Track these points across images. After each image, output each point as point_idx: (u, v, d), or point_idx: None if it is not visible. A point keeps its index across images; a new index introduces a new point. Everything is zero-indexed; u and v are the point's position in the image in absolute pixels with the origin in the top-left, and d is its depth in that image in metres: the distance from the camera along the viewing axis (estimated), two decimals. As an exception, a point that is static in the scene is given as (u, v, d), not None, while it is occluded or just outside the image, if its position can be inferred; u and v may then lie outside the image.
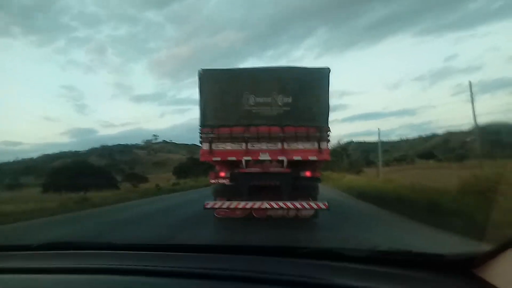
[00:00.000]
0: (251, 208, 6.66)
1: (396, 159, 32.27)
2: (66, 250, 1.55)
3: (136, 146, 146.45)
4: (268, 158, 6.63)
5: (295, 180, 6.67)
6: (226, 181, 6.77)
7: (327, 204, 6.38)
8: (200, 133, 6.83)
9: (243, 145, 6.65)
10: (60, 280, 1.19)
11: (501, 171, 7.40)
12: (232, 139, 6.67)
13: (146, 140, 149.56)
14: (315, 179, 6.79)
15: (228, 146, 6.70)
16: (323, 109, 6.59)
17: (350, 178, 22.90)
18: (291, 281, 1.07)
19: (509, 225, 3.80)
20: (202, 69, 6.90)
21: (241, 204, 6.48)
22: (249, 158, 6.65)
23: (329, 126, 6.61)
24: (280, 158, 6.58)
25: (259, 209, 6.66)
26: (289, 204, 6.39)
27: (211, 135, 6.71)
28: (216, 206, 6.71)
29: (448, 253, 1.15)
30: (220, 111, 6.74)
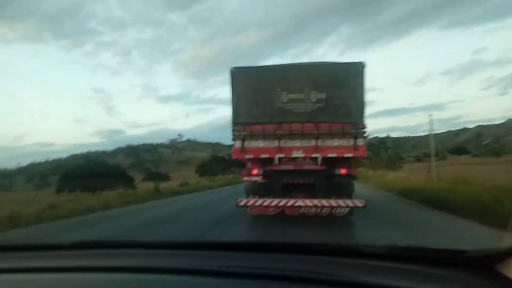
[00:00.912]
0: (284, 206, 6.59)
1: (426, 154, 31.01)
2: (94, 249, 1.57)
3: (161, 145, 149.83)
4: (302, 155, 6.53)
5: (330, 178, 6.54)
6: (259, 179, 6.74)
7: (364, 202, 6.20)
8: (233, 130, 6.84)
9: (276, 142, 6.59)
10: (87, 278, 1.19)
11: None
12: (265, 136, 6.62)
13: (171, 139, 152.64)
14: (350, 177, 6.63)
15: (261, 144, 6.67)
16: (359, 105, 6.42)
17: (394, 176, 19.11)
18: (309, 278, 1.07)
19: None
20: (234, 67, 6.89)
21: (275, 202, 6.41)
22: (282, 155, 6.58)
23: (365, 122, 6.42)
24: (314, 155, 6.47)
25: (293, 206, 6.58)
26: (324, 202, 6.27)
27: (244, 133, 6.70)
28: (249, 203, 6.69)
29: (469, 249, 1.12)
30: (252, 108, 6.71)
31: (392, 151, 35.41)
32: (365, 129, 6.43)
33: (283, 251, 1.39)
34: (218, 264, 1.20)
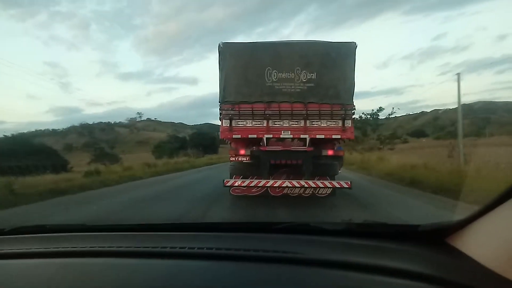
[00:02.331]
0: (272, 186, 6.70)
1: (387, 137, 32.66)
2: (38, 233, 1.52)
3: (118, 124, 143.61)
4: (290, 136, 6.60)
5: (317, 159, 6.70)
6: (246, 159, 6.74)
7: (350, 183, 6.46)
8: (220, 109, 6.73)
9: (265, 123, 6.59)
10: (30, 264, 1.16)
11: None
12: (253, 116, 6.59)
13: (130, 118, 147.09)
14: (337, 158, 6.83)
15: (249, 123, 6.63)
16: (348, 86, 6.53)
17: (400, 161, 14.02)
18: (268, 257, 1.08)
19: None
20: (223, 43, 6.69)
21: (262, 182, 6.49)
22: (270, 135, 6.60)
23: (353, 103, 6.58)
24: (302, 136, 6.56)
25: (280, 187, 6.70)
26: (311, 183, 6.44)
27: (231, 112, 6.61)
28: (236, 184, 6.71)
29: (423, 223, 1.17)
30: (241, 86, 6.60)
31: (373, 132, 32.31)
32: (353, 111, 6.61)
33: (243, 231, 1.42)
34: (174, 245, 1.19)
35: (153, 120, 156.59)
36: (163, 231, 1.47)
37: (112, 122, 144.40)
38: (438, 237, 1.09)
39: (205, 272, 1.03)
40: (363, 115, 30.46)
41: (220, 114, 6.73)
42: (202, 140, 63.92)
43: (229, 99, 6.63)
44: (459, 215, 0.99)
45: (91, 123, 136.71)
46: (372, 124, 30.62)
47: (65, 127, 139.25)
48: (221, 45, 6.67)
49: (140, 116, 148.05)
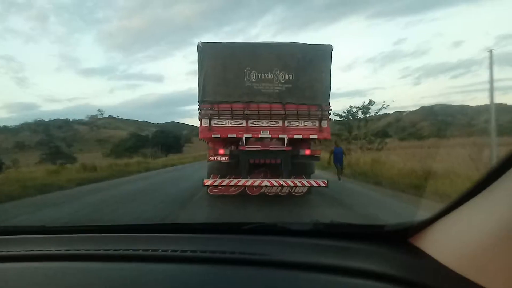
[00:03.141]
0: (250, 186, 6.84)
1: (378, 136, 33.37)
2: None
3: (78, 122, 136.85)
4: (269, 135, 6.79)
5: (294, 158, 6.93)
6: (225, 159, 6.83)
7: (326, 181, 6.76)
8: (199, 109, 6.77)
9: (244, 122, 6.72)
10: None
11: None
12: (233, 116, 6.69)
13: (91, 116, 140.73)
14: (314, 157, 7.10)
15: (228, 123, 6.73)
16: (325, 87, 6.83)
17: (415, 167, 11.23)
18: (234, 259, 1.09)
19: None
20: (202, 42, 6.74)
21: (241, 182, 6.62)
22: (249, 135, 6.75)
23: (329, 104, 6.88)
24: (281, 136, 6.77)
25: (259, 186, 6.87)
26: (289, 182, 6.67)
27: (211, 111, 6.68)
28: (215, 183, 6.79)
29: (388, 224, 1.20)
30: (220, 86, 6.69)
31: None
32: (330, 112, 6.91)
33: (210, 232, 1.42)
34: (134, 247, 1.16)
35: (115, 117, 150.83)
36: (126, 233, 1.41)
37: (71, 119, 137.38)
38: (402, 237, 1.11)
39: (169, 276, 1.01)
40: (353, 109, 25.99)
41: (199, 113, 6.78)
42: (166, 139, 62.03)
43: (208, 99, 6.69)
44: (423, 215, 1.05)
45: (47, 120, 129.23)
46: (361, 120, 25.86)
47: (18, 124, 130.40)
48: (200, 45, 6.72)
49: (101, 114, 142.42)
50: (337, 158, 12.46)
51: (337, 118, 26.44)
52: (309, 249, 1.16)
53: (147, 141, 59.78)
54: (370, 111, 25.92)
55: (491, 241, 0.76)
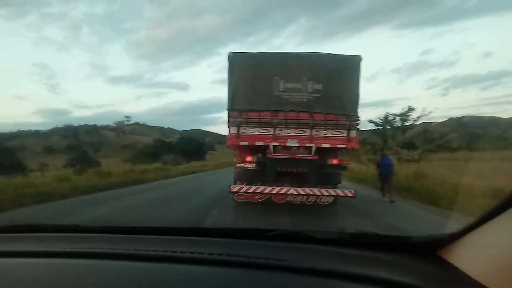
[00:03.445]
0: (276, 194, 6.90)
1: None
2: (29, 232, 1.52)
3: (105, 127, 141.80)
4: (296, 144, 6.86)
5: (321, 167, 6.95)
6: (252, 166, 6.94)
7: (354, 191, 6.73)
8: (228, 116, 6.94)
9: (272, 131, 6.83)
10: (18, 264, 1.17)
11: None
12: (261, 124, 6.83)
13: (118, 122, 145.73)
14: (341, 167, 7.10)
15: (256, 131, 6.86)
16: (354, 97, 6.86)
17: None
18: (259, 264, 1.10)
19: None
20: (232, 52, 6.95)
21: (268, 189, 6.70)
22: (277, 143, 6.85)
23: (358, 114, 6.89)
24: (308, 145, 6.83)
25: (284, 194, 6.92)
26: (315, 191, 6.69)
27: (239, 119, 6.84)
28: (242, 190, 6.90)
29: (415, 235, 1.20)
30: (249, 95, 6.85)
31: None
32: (358, 121, 6.91)
33: (235, 237, 1.43)
34: (164, 249, 1.20)
35: (141, 124, 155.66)
36: (155, 235, 1.46)
37: (98, 125, 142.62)
38: (429, 249, 1.11)
39: (195, 277, 1.04)
40: (389, 116, 21.97)
41: (228, 121, 6.95)
42: (189, 146, 62.57)
43: (237, 107, 6.87)
44: (452, 227, 1.04)
45: (76, 125, 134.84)
46: (399, 128, 21.98)
47: (48, 128, 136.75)
48: (231, 55, 6.93)
49: (128, 120, 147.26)
50: (385, 170, 10.02)
51: (371, 127, 23.01)
52: (334, 257, 1.17)
53: (171, 147, 61.06)
54: (409, 118, 21.75)
55: None
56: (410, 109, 21.87)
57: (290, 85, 6.82)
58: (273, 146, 6.85)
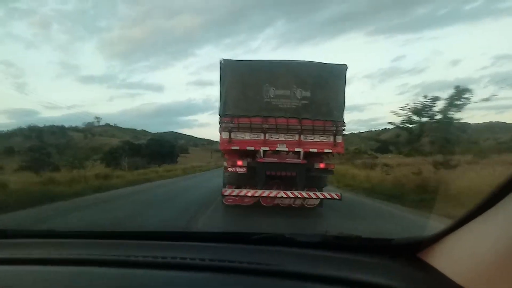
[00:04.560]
0: (266, 197, 7.24)
1: (354, 152, 34.38)
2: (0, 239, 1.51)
3: (73, 129, 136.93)
4: (286, 149, 7.23)
5: (309, 171, 7.36)
6: (243, 170, 7.24)
7: (340, 194, 7.19)
8: (220, 122, 7.23)
9: (262, 136, 7.18)
10: None
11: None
12: (252, 129, 7.16)
13: (87, 123, 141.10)
14: (328, 171, 7.54)
15: (247, 136, 7.18)
16: (340, 104, 7.34)
17: None
18: (243, 268, 1.11)
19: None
20: (224, 59, 7.25)
21: (259, 192, 7.02)
22: (267, 148, 7.20)
23: (344, 120, 7.37)
24: (297, 149, 7.22)
25: (273, 197, 7.27)
26: (304, 193, 7.08)
27: (231, 125, 7.14)
28: (234, 193, 7.19)
29: (396, 238, 1.24)
30: (240, 101, 7.17)
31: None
32: (344, 127, 7.40)
33: (219, 241, 1.45)
34: (143, 254, 1.20)
35: (112, 125, 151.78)
36: (136, 239, 1.46)
37: (66, 126, 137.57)
38: (410, 252, 1.13)
39: (177, 282, 1.04)
40: (427, 101, 13.20)
41: (220, 126, 7.25)
42: (160, 148, 59.26)
43: (229, 113, 7.17)
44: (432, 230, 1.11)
45: (41, 126, 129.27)
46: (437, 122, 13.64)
47: (11, 129, 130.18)
48: (223, 62, 7.25)
49: (98, 121, 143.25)
50: None
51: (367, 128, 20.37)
52: (317, 261, 1.19)
53: (139, 150, 57.46)
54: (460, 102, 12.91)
55: (499, 257, 0.78)
56: (462, 90, 13.20)
57: (279, 92, 7.19)
58: (263, 150, 7.18)
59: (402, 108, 13.31)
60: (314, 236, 1.40)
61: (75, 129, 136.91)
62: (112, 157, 50.57)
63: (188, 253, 1.22)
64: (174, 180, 21.20)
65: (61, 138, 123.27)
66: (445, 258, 0.99)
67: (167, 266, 1.13)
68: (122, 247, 1.35)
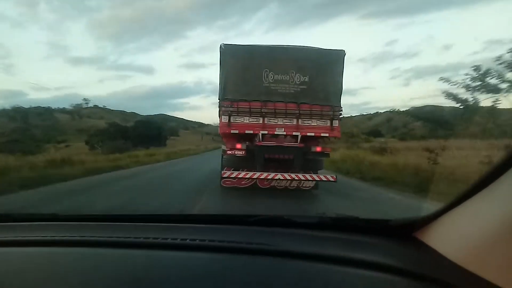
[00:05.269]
0: (263, 179, 7.54)
1: (347, 135, 34.68)
2: (5, 222, 1.53)
3: (60, 110, 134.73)
4: (284, 132, 7.50)
5: (306, 154, 7.66)
6: (242, 153, 7.51)
7: (335, 176, 7.54)
8: (220, 106, 7.43)
9: (261, 120, 7.42)
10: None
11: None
12: (251, 113, 7.39)
13: (75, 104, 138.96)
14: (324, 154, 7.86)
15: (246, 120, 7.42)
16: (337, 89, 7.59)
17: None
18: (241, 248, 1.14)
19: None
20: (224, 44, 7.39)
21: (257, 174, 7.32)
22: (265, 132, 7.45)
23: (341, 105, 7.64)
24: (294, 133, 7.50)
25: (269, 179, 7.58)
26: (300, 176, 7.41)
27: (231, 109, 7.35)
28: (233, 175, 7.47)
29: (394, 218, 1.25)
30: (240, 86, 7.36)
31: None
32: (341, 112, 7.67)
33: (218, 223, 1.50)
34: (144, 235, 1.22)
35: (101, 107, 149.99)
36: (136, 222, 1.49)
37: (52, 107, 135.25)
38: (407, 232, 1.16)
39: (177, 263, 1.07)
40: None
41: (220, 110, 7.45)
42: (148, 131, 57.69)
43: (228, 97, 7.37)
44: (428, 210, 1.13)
45: (27, 107, 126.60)
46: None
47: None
48: (223, 47, 7.39)
49: (86, 103, 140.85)
50: None
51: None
52: (315, 241, 1.22)
53: (126, 132, 55.95)
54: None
55: (494, 235, 0.79)
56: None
57: (278, 77, 7.39)
58: (262, 134, 7.43)
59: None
60: (312, 218, 1.44)
61: (62, 111, 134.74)
62: (97, 139, 49.71)
63: (187, 234, 1.25)
64: (151, 167, 17.18)
65: (48, 119, 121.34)
66: (441, 237, 1.01)
67: (167, 246, 1.17)
68: (123, 229, 1.38)
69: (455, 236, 0.95)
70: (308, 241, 1.23)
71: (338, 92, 7.62)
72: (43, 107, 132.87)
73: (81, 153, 29.26)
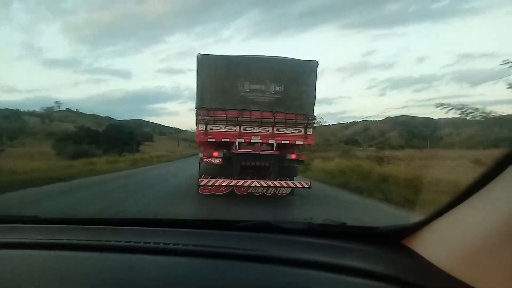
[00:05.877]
0: (240, 186, 7.75)
1: (324, 144, 35.50)
2: None
3: (30, 113, 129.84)
4: (259, 141, 7.77)
5: (281, 162, 7.94)
6: (219, 161, 7.70)
7: (309, 183, 7.85)
8: (197, 114, 7.62)
9: (237, 128, 7.66)
10: None
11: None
12: (227, 122, 7.61)
13: (46, 108, 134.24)
14: (299, 161, 8.17)
15: (223, 128, 7.63)
16: (311, 99, 7.95)
17: None
18: (226, 253, 1.14)
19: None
20: (201, 54, 7.64)
21: (234, 182, 7.52)
22: (242, 140, 7.69)
23: (314, 114, 8.00)
24: (270, 141, 7.78)
25: (247, 186, 7.80)
26: (276, 183, 7.68)
27: (207, 117, 7.55)
28: (210, 183, 7.64)
29: (381, 225, 1.26)
30: (216, 95, 7.60)
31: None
32: (314, 121, 8.03)
33: (203, 228, 1.48)
34: (129, 239, 1.23)
35: (73, 111, 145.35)
36: (119, 226, 1.48)
37: (21, 110, 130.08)
38: (395, 239, 1.15)
39: (160, 267, 1.06)
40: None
41: (197, 119, 7.65)
42: (119, 135, 55.34)
43: (205, 106, 7.59)
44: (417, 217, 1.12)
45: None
46: None
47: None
48: (199, 56, 7.63)
49: (58, 106, 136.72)
50: None
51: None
52: (302, 247, 1.21)
53: (97, 136, 53.59)
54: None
55: (481, 243, 0.79)
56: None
57: (254, 86, 7.67)
58: (238, 142, 7.66)
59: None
60: (299, 224, 1.42)
61: (32, 114, 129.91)
62: (64, 144, 46.94)
63: (171, 239, 1.24)
64: (97, 180, 13.25)
65: (15, 122, 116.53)
66: (429, 244, 1.01)
67: (149, 251, 1.15)
68: (105, 233, 1.36)
69: (443, 243, 0.95)
70: (295, 247, 1.22)
71: (312, 101, 7.98)
72: (11, 109, 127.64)
73: (37, 158, 26.71)
